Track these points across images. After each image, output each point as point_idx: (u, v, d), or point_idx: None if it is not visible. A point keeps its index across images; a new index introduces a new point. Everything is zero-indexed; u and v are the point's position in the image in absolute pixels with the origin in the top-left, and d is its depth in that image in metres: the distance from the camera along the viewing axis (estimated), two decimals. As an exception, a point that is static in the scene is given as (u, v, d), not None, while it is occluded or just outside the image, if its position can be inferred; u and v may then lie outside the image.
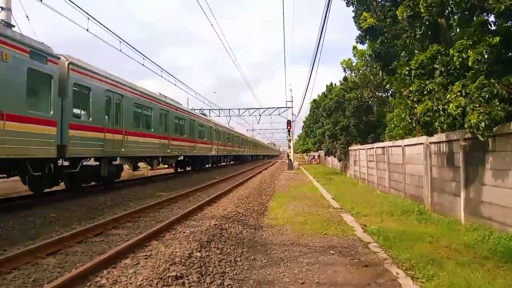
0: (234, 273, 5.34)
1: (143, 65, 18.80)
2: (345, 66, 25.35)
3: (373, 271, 5.41)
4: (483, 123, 6.82)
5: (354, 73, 25.47)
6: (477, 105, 7.02)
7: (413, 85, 9.12)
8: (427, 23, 9.01)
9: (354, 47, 22.91)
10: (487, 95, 6.91)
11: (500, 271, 5.31)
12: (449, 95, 7.76)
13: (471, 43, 7.40)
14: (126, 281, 4.53)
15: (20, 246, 6.42)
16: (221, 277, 5.07)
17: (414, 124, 9.37)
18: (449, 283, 4.70)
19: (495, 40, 7.14)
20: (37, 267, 5.37)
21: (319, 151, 51.87)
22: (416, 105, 8.99)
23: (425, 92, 8.77)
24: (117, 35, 15.24)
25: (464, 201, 8.50)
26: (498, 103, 6.86)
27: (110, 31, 14.68)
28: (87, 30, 13.54)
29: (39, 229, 7.96)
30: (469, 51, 7.31)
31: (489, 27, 8.24)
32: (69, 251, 6.25)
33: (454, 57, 7.65)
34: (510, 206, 6.80)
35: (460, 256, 6.09)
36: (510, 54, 8.36)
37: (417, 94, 8.98)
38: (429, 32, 9.72)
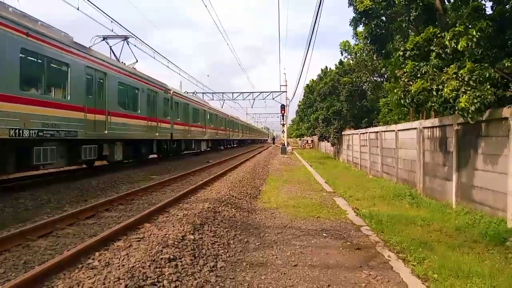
0: (227, 255, 5.35)
1: (135, 45, 18.67)
2: (342, 48, 25.03)
3: (365, 254, 5.46)
4: (473, 107, 6.83)
5: (352, 55, 25.20)
6: (468, 88, 7.01)
7: (407, 66, 9.07)
8: (421, 4, 8.92)
9: (355, 28, 22.53)
10: (478, 78, 6.90)
11: (489, 254, 5.38)
12: (444, 77, 7.74)
13: (462, 29, 7.35)
14: (118, 263, 4.51)
15: (11, 228, 6.35)
16: (214, 259, 5.08)
17: (407, 101, 9.27)
18: (439, 266, 4.76)
19: (483, 24, 7.11)
20: (28, 249, 5.32)
21: (312, 136, 51.96)
22: (411, 83, 8.95)
23: (418, 75, 8.73)
24: (108, 15, 14.93)
25: (456, 186, 8.58)
26: (489, 86, 6.86)
27: (101, 10, 14.36)
28: (78, 9, 13.23)
29: (30, 211, 7.89)
30: (461, 38, 7.27)
31: (484, 12, 8.18)
32: (61, 233, 6.20)
33: (447, 44, 7.62)
34: (500, 190, 6.87)
35: (451, 239, 6.16)
36: (504, 39, 8.35)
37: (411, 75, 8.94)
38: (424, 16, 9.63)
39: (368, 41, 13.12)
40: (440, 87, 7.85)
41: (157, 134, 18.52)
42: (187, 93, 32.30)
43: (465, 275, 4.50)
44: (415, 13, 9.11)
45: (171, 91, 21.79)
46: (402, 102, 9.24)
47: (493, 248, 5.61)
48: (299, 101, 54.44)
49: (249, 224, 7.24)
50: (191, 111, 26.03)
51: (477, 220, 7.07)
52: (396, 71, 10.15)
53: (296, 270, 4.81)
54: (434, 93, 8.10)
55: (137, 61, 17.69)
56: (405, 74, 9.12)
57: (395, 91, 9.73)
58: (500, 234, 6.06)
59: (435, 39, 8.30)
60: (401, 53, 9.20)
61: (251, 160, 23.69)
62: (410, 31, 12.12)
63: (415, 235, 6.33)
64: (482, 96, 6.76)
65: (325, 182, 13.62)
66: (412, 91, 8.66)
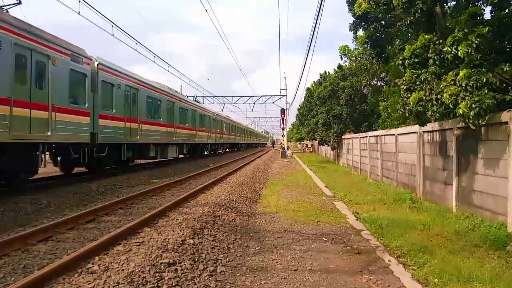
0: (227, 260, 5.34)
1: (135, 50, 18.64)
2: (341, 53, 24.96)
3: (365, 259, 5.45)
4: (472, 112, 6.83)
5: (352, 59, 25.12)
6: (467, 94, 7.02)
7: (406, 74, 9.09)
8: (420, 11, 8.94)
9: (355, 33, 22.49)
10: (475, 84, 6.91)
11: (490, 258, 5.36)
12: (442, 84, 7.75)
13: (461, 35, 7.37)
14: (118, 267, 4.50)
15: (10, 232, 6.34)
16: (214, 264, 5.07)
17: (406, 114, 9.38)
18: (440, 270, 4.74)
19: (484, 30, 7.12)
20: (27, 254, 5.31)
21: (312, 140, 52.00)
22: (408, 95, 8.97)
23: (418, 82, 8.74)
24: (109, 19, 14.96)
25: (456, 190, 8.57)
26: (486, 91, 6.86)
27: (102, 15, 14.39)
28: (79, 14, 13.26)
29: (30, 215, 7.89)
30: (460, 44, 7.28)
31: (482, 18, 8.20)
32: (61, 237, 6.19)
33: (447, 50, 7.63)
34: (501, 194, 6.86)
35: (451, 244, 6.15)
36: (503, 44, 8.37)
37: (410, 83, 8.95)
38: (424, 20, 9.65)
39: (368, 46, 13.14)
40: (439, 96, 7.86)
41: (48, 133, 10.27)
42: (187, 96, 31.53)
43: (465, 279, 4.49)
44: (412, 19, 9.14)
45: (95, 62, 13.11)
46: (401, 114, 9.35)
47: (493, 253, 5.58)
48: (299, 105, 54.56)
49: (249, 228, 7.23)
50: (143, 101, 17.16)
51: (477, 224, 7.05)
52: (396, 80, 10.19)
53: (296, 275, 4.80)
54: (434, 101, 8.10)
55: (20, 3, 10.59)
56: (404, 82, 9.14)
57: (397, 106, 9.82)
58: (501, 238, 6.04)
59: (431, 46, 8.32)
60: (400, 62, 9.24)
61: (251, 164, 23.69)
62: (410, 35, 12.14)
63: (416, 239, 6.31)
64: (481, 101, 6.76)
65: (325, 186, 13.61)
66: (411, 103, 8.68)
